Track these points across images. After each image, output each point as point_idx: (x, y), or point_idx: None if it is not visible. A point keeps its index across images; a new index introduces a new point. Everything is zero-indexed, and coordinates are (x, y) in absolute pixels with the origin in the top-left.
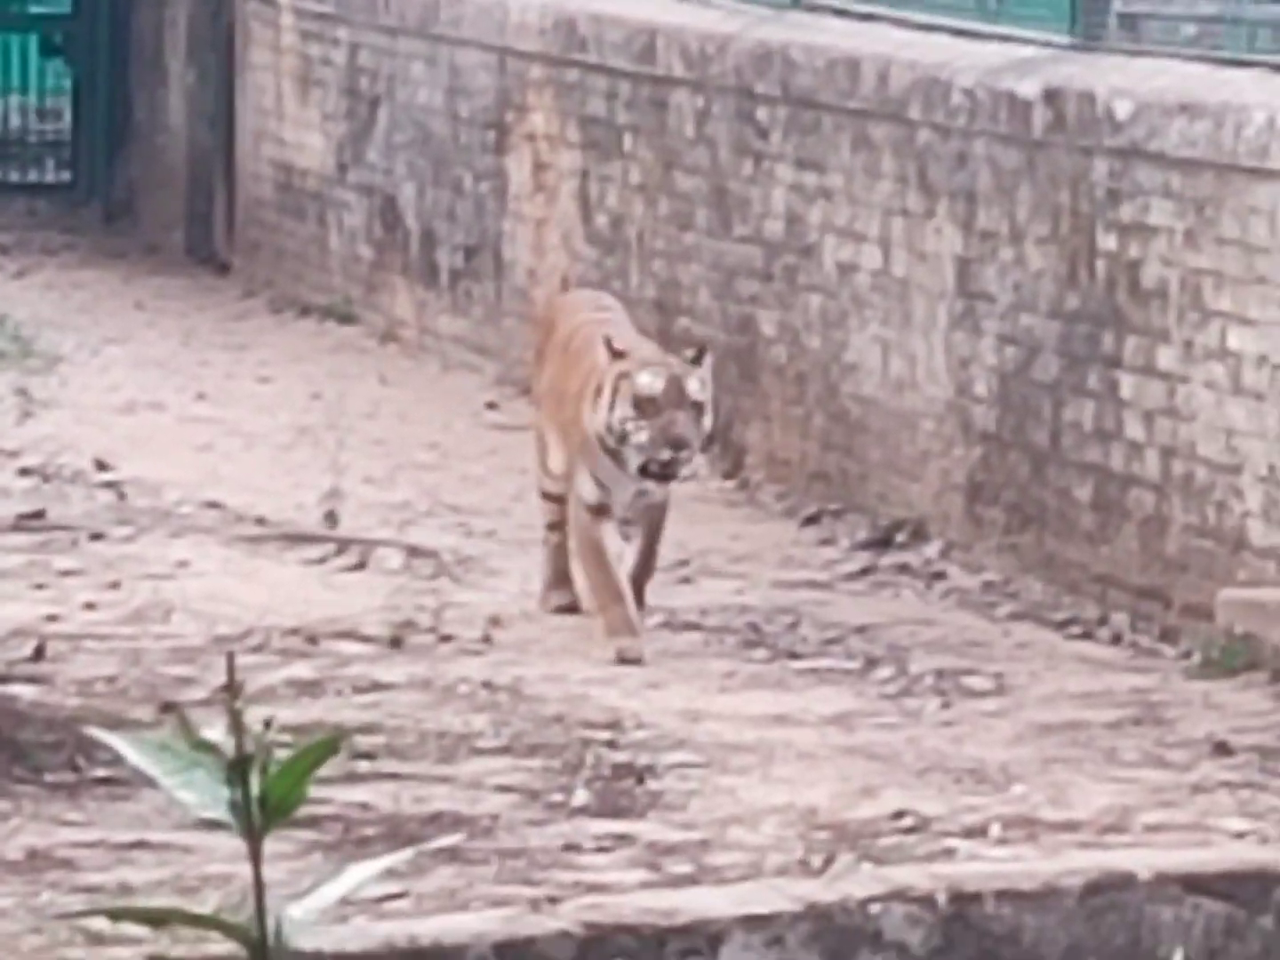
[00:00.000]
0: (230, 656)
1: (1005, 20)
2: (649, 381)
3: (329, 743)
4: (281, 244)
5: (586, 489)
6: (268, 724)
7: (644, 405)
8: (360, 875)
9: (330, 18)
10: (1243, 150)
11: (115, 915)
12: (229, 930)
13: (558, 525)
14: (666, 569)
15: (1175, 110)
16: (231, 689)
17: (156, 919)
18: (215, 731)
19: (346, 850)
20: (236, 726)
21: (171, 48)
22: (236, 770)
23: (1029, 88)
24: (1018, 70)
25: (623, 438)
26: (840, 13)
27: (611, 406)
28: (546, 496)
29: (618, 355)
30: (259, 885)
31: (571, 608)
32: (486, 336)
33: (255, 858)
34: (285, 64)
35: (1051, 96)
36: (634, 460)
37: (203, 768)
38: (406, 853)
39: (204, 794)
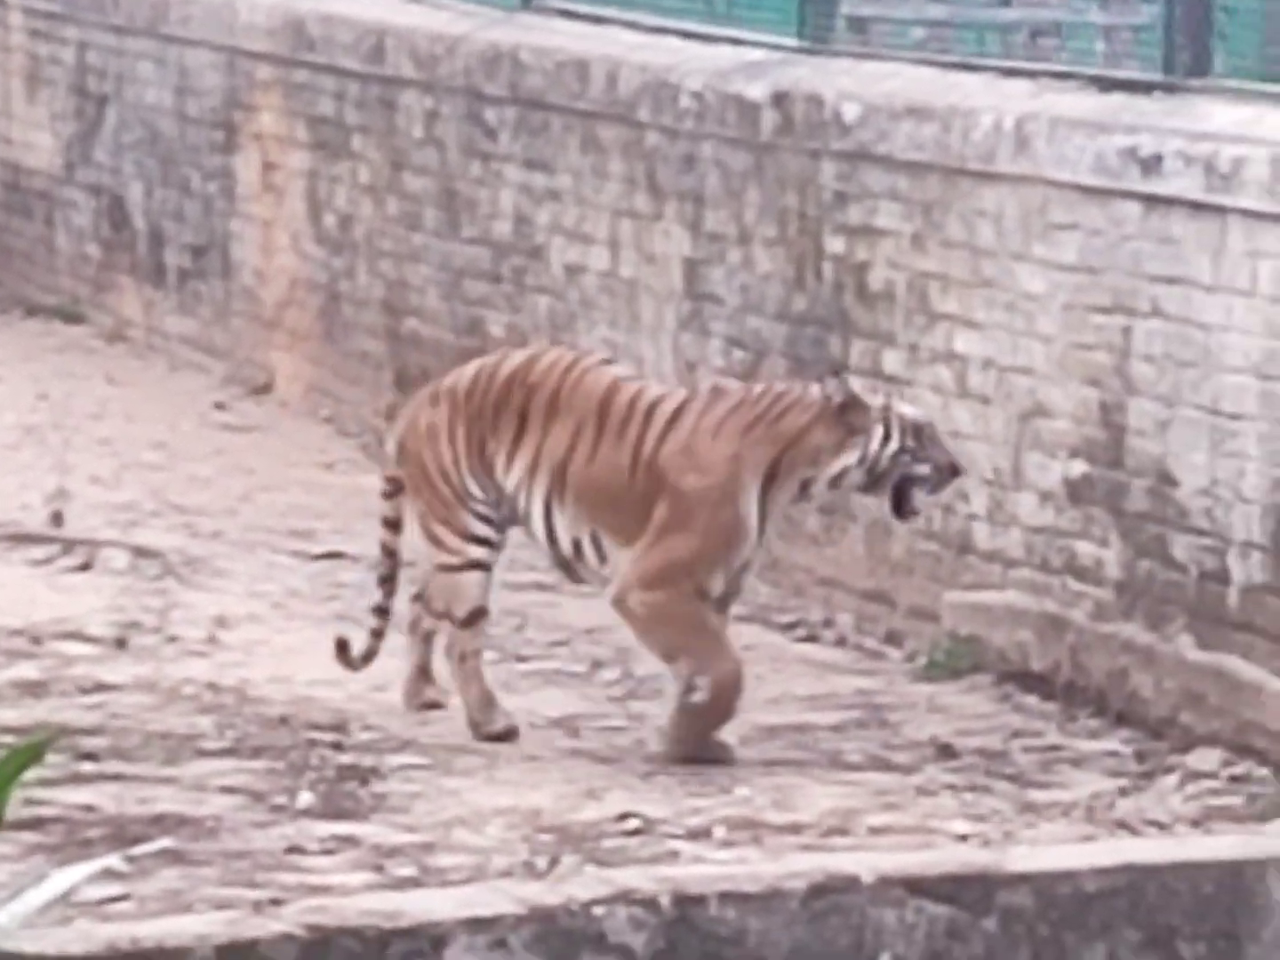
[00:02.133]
0: None
1: (734, 23)
2: (915, 412)
3: (30, 750)
4: (8, 244)
5: (713, 581)
6: None
7: (921, 436)
8: (66, 880)
9: (59, 16)
10: (970, 154)
11: None
12: None
13: (436, 615)
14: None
15: (903, 113)
16: None
17: None
18: None
19: (70, 852)
20: None
21: None
22: None
23: (757, 90)
24: (746, 73)
25: (883, 476)
26: (570, 15)
27: (884, 440)
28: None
29: (848, 401)
30: None
31: (437, 704)
32: (214, 336)
33: None
34: (13, 62)
35: (779, 99)
36: (909, 496)
37: None
38: (110, 858)
39: None
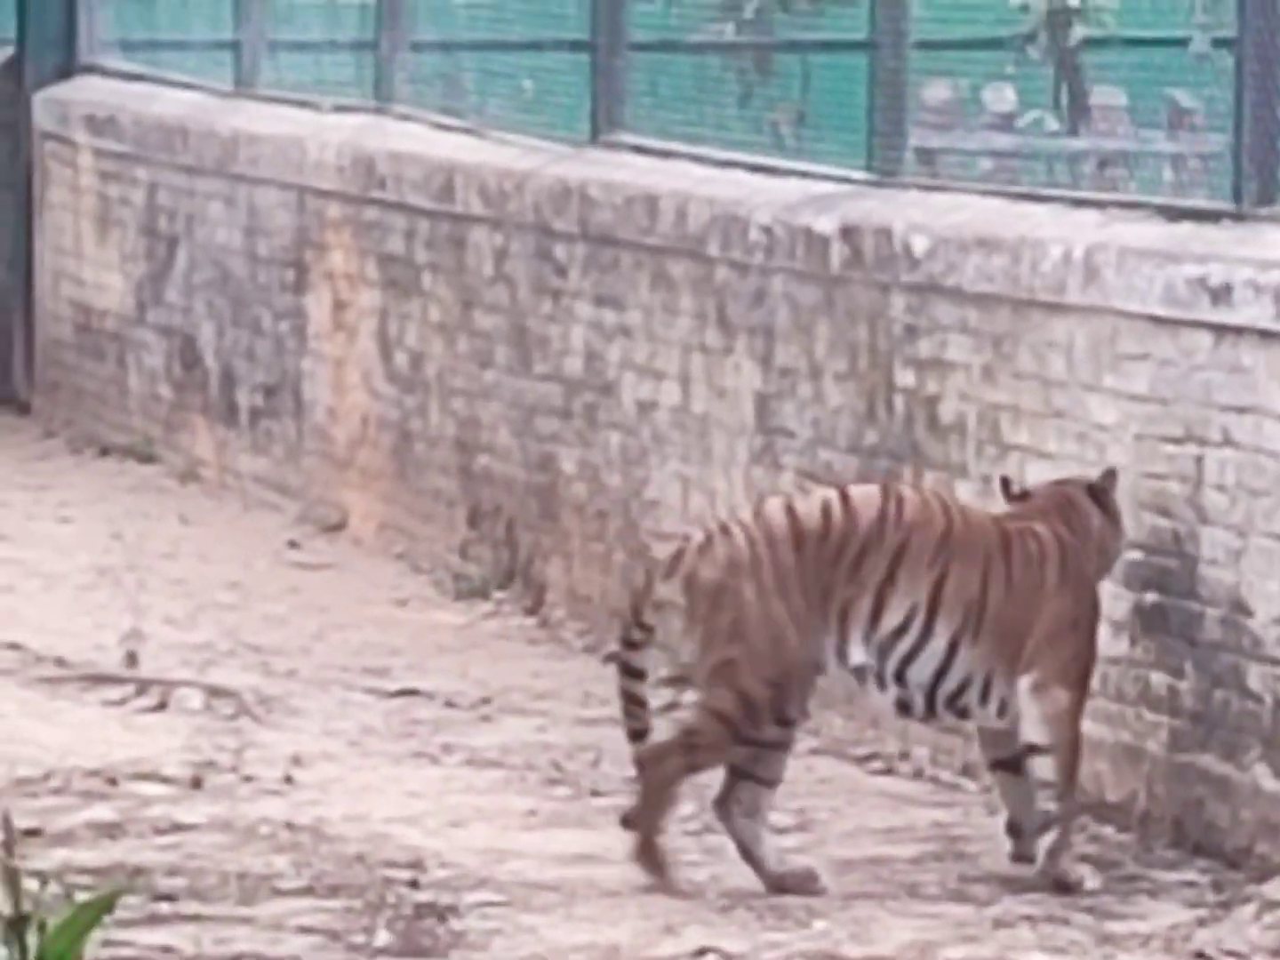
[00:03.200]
0: (6, 815)
1: (802, 156)
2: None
3: (104, 901)
4: (81, 384)
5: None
6: (44, 882)
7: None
8: None
9: (129, 157)
10: (1039, 285)
11: None
12: None
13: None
14: (468, 707)
15: (972, 245)
16: (9, 845)
17: None
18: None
19: None
20: (14, 885)
21: None
22: (13, 929)
23: (826, 223)
24: (815, 206)
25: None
26: (638, 150)
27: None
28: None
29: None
30: None
31: None
32: (287, 475)
33: None
34: (84, 204)
35: (849, 232)
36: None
37: None
38: None
39: None
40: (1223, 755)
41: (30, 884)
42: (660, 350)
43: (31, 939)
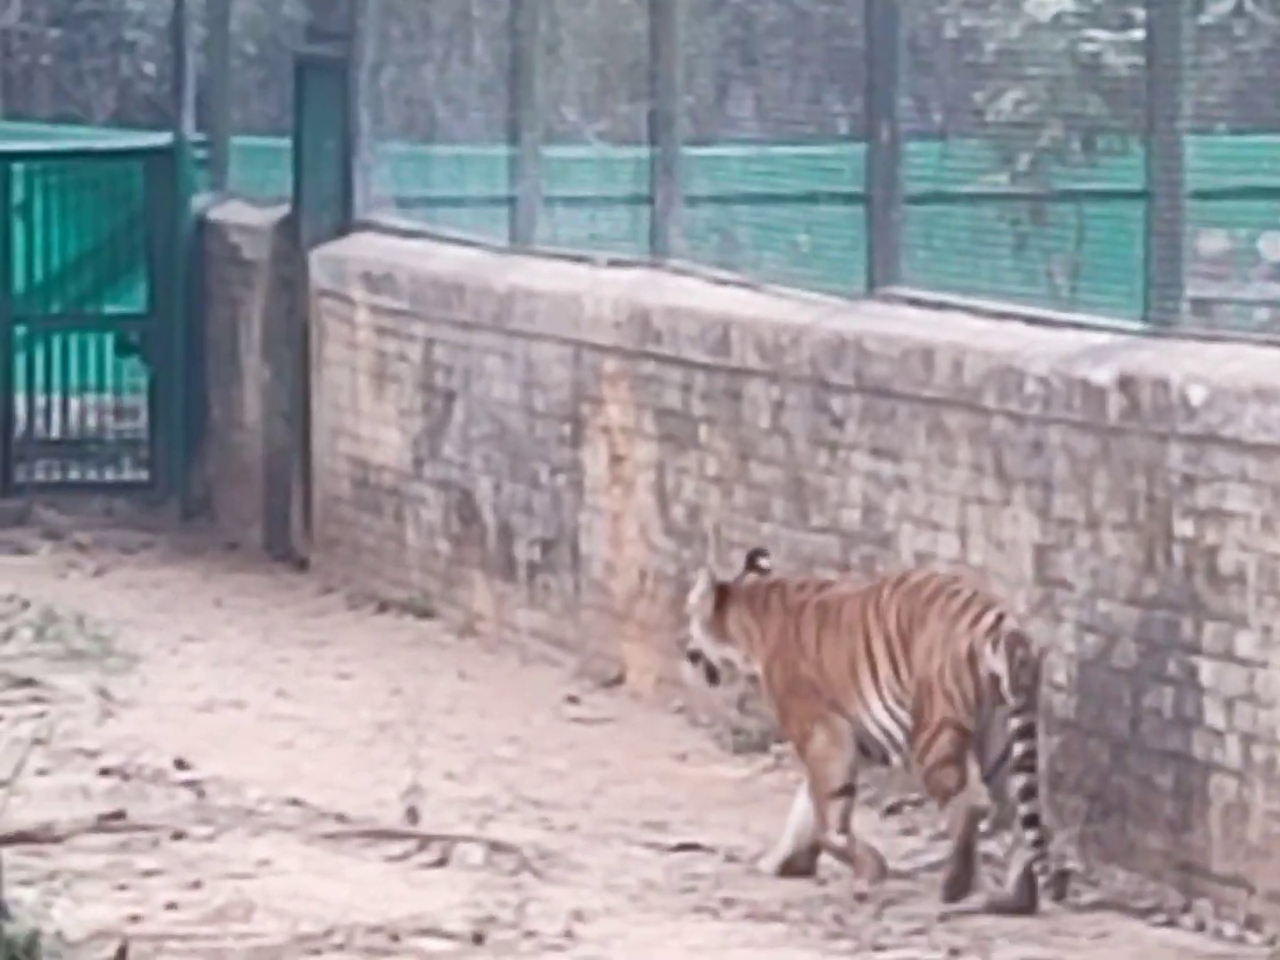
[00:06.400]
0: None
1: (1078, 307)
2: None
3: None
4: (359, 539)
5: None
6: None
7: None
8: None
9: (405, 313)
10: None
11: None
12: None
13: None
14: (749, 861)
15: (1250, 395)
16: None
17: None
18: None
19: None
20: None
21: (246, 345)
22: None
23: (1103, 374)
24: (1092, 357)
25: None
26: (914, 302)
27: None
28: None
29: None
30: None
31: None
32: (565, 630)
33: None
34: (361, 360)
35: (1126, 383)
36: None
37: None
38: None
39: None
40: None
41: None
42: (938, 502)
43: None
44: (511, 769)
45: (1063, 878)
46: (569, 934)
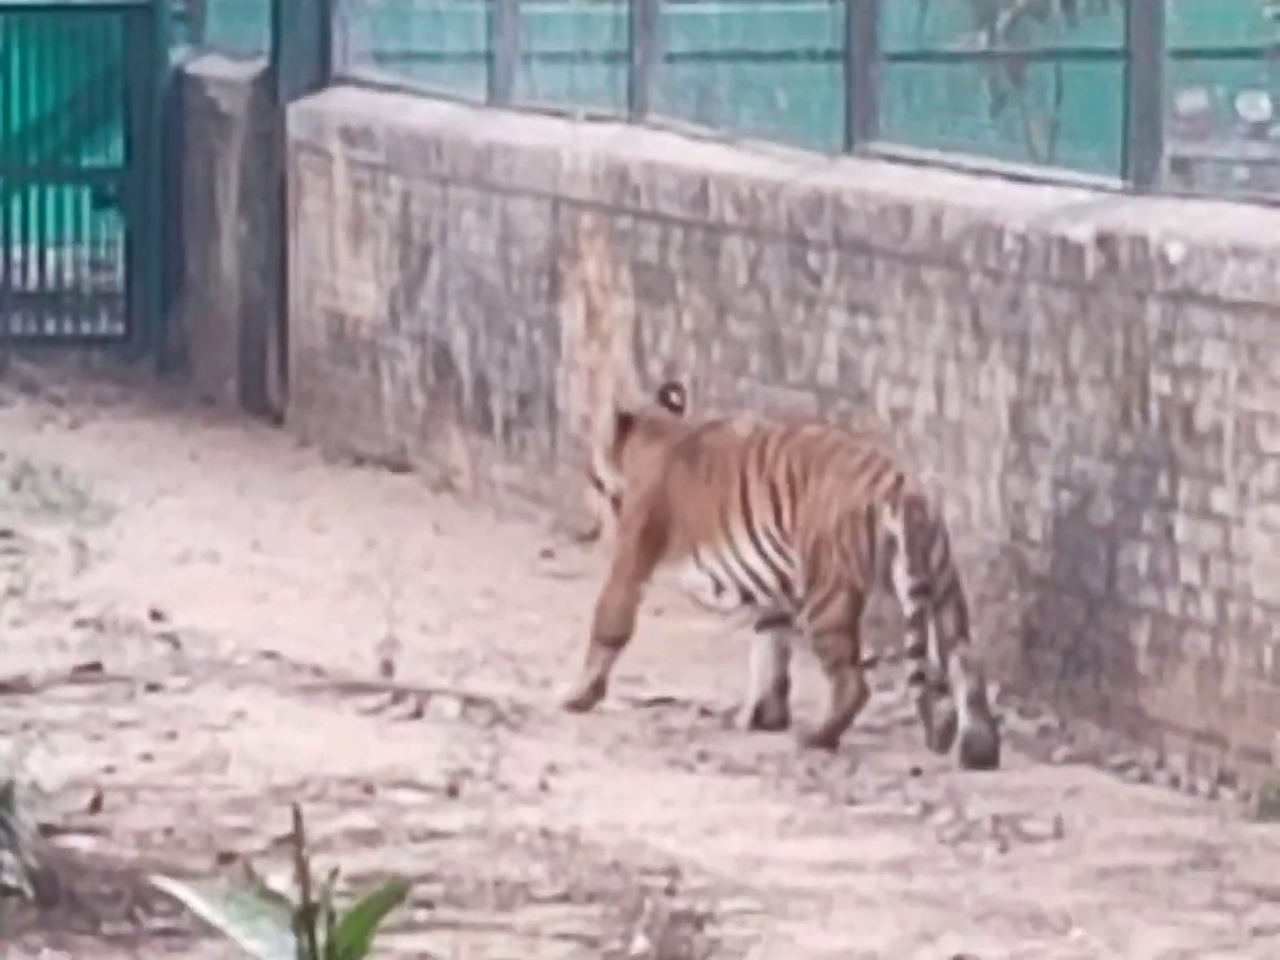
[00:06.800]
0: (296, 808)
1: (1057, 165)
2: None
3: (394, 891)
4: (335, 393)
5: None
6: (334, 873)
7: None
8: None
9: (382, 167)
10: None
11: None
12: None
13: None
14: (723, 715)
15: (1228, 253)
16: (297, 838)
17: None
18: (280, 880)
19: None
20: (303, 875)
21: (224, 199)
22: (304, 919)
23: (1081, 232)
24: (1070, 214)
25: None
26: (892, 159)
27: None
28: None
29: None
30: None
31: None
32: (541, 485)
33: None
34: (338, 213)
35: (1104, 240)
36: None
37: (268, 916)
38: None
39: (271, 943)
40: None
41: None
42: (914, 357)
43: (320, 931)
44: (486, 623)
45: (949, 730)
46: (543, 787)
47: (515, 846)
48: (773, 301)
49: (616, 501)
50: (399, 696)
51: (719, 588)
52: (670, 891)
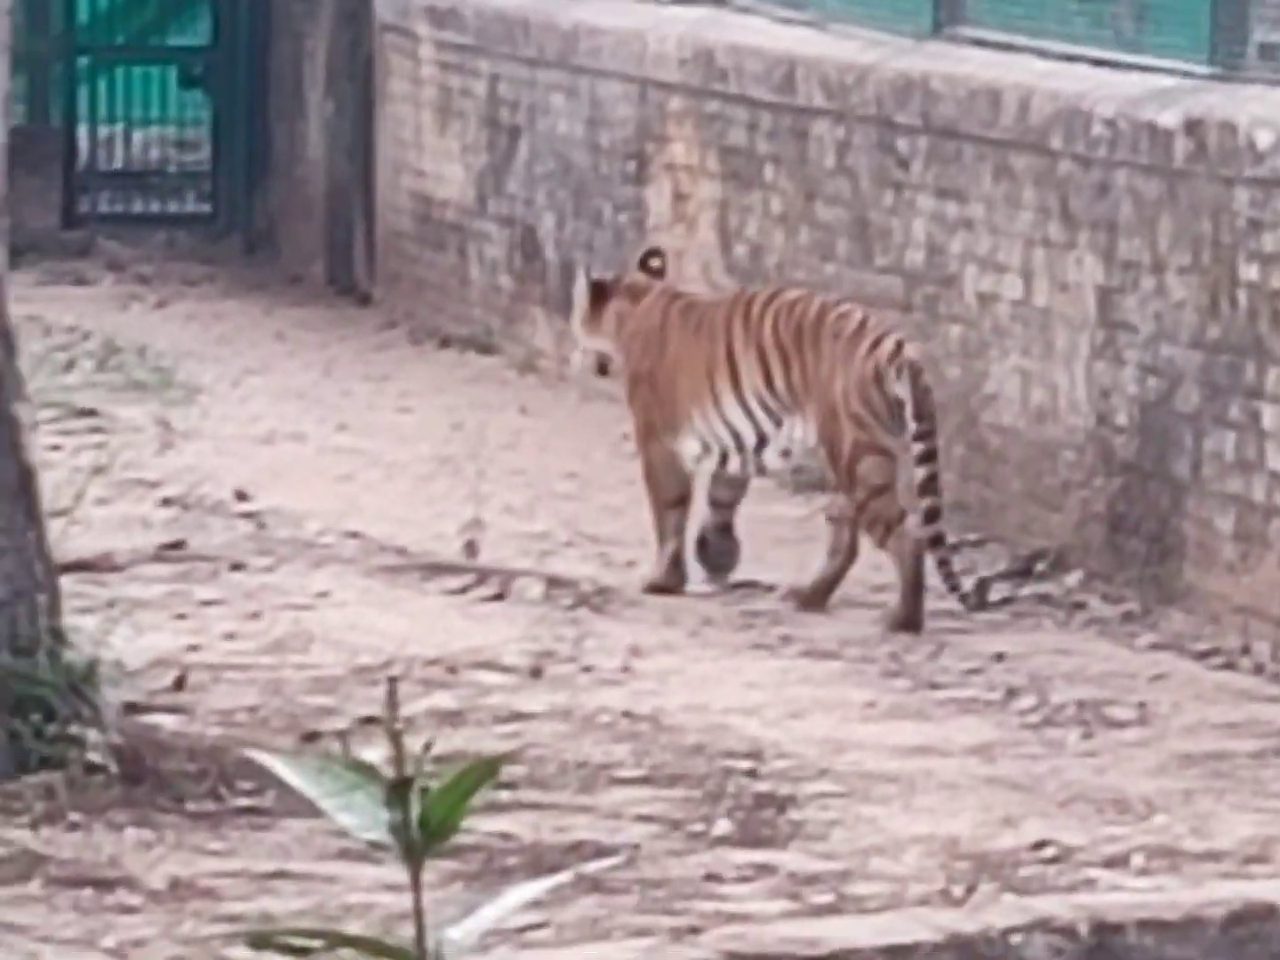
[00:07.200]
0: (392, 681)
1: (1145, 51)
2: None
3: (487, 765)
4: (421, 275)
5: None
6: (427, 746)
7: None
8: (518, 897)
9: (470, 49)
10: None
11: (266, 939)
12: (389, 952)
13: None
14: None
15: None
16: (393, 712)
17: (311, 941)
18: (373, 755)
19: (488, 880)
20: (398, 749)
21: (310, 79)
22: (397, 793)
23: (1170, 118)
24: (1158, 100)
25: None
26: (980, 43)
27: None
28: None
29: None
30: (419, 907)
31: None
32: None
33: (415, 880)
34: (424, 95)
35: (1192, 127)
36: None
37: (362, 791)
38: (560, 876)
39: (364, 816)
40: None
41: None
42: (1002, 243)
43: (414, 805)
44: (570, 505)
45: (982, 586)
46: (626, 669)
47: (598, 728)
48: (860, 186)
49: (602, 366)
50: (483, 578)
51: (705, 449)
52: (752, 774)
